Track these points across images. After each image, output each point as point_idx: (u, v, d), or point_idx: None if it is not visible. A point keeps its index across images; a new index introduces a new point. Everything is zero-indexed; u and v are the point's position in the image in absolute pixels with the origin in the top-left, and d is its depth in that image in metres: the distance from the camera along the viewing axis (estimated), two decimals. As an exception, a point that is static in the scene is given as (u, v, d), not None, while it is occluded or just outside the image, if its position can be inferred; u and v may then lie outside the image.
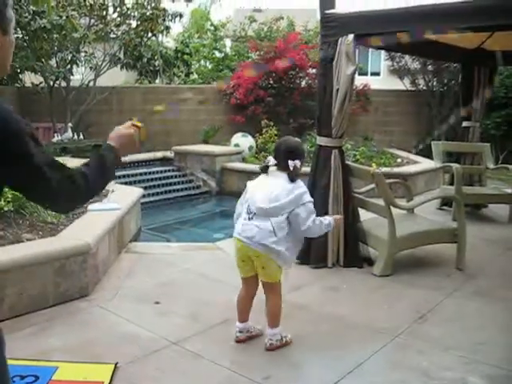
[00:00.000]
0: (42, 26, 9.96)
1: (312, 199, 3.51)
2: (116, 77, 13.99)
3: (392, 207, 5.17)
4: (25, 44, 10.41)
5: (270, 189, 3.46)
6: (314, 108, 7.78)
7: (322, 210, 5.27)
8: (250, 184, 3.64)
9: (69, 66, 11.11)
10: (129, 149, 1.95)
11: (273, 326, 3.63)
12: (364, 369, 3.42)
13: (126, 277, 5.06)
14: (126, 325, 4.01)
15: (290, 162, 3.47)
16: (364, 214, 5.70)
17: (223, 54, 16.36)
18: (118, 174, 9.97)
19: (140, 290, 4.74)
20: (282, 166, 3.51)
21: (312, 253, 5.41)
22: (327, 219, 3.57)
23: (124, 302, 4.47)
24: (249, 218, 3.48)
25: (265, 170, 3.59)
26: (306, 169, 6.42)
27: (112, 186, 6.51)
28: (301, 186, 3.48)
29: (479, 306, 4.46)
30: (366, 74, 22.11)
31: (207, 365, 3.45)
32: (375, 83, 15.08)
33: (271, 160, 3.57)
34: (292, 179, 3.47)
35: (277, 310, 3.63)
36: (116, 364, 3.37)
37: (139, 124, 1.99)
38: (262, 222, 3.41)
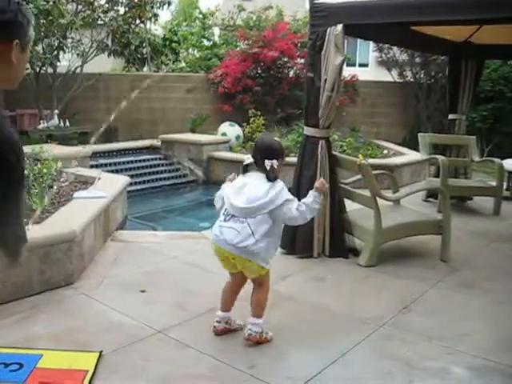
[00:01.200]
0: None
1: (290, 196, 3.41)
2: (103, 64, 13.87)
3: (378, 198, 5.18)
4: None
5: (247, 189, 3.39)
6: (301, 98, 7.77)
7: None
8: (225, 185, 3.56)
9: (55, 53, 10.98)
10: None
11: (256, 315, 3.56)
12: (348, 358, 3.43)
13: (112, 265, 5.03)
14: (111, 313, 4.00)
15: (267, 162, 3.39)
16: (350, 205, 5.71)
17: (211, 43, 16.28)
18: (105, 161, 9.94)
19: (126, 278, 4.72)
20: (259, 165, 3.44)
21: (298, 243, 5.41)
22: (310, 195, 3.46)
23: (109, 290, 4.45)
24: (225, 220, 3.40)
25: (244, 170, 3.54)
26: (293, 159, 6.43)
27: (98, 173, 6.46)
28: (277, 186, 3.38)
29: (463, 298, 4.49)
30: (354, 64, 22.07)
31: (192, 353, 3.44)
32: (363, 74, 15.10)
33: (249, 158, 3.52)
34: (270, 179, 3.38)
35: (262, 300, 3.58)
36: (101, 352, 3.36)
37: None
38: (239, 224, 3.33)
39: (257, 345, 3.55)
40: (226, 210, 3.43)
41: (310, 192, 3.50)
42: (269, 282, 3.60)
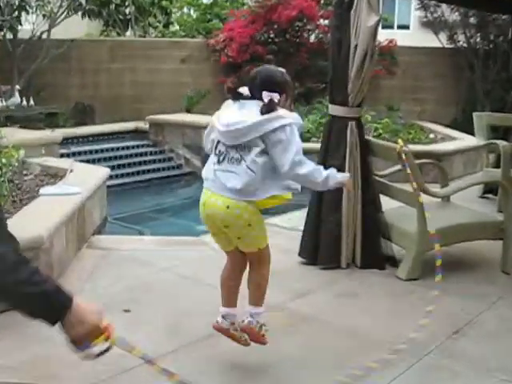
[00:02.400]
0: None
1: (295, 122, 3.35)
2: (76, 27, 13.91)
3: (422, 194, 5.17)
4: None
5: (236, 114, 3.36)
6: (325, 69, 7.75)
7: (334, 198, 5.29)
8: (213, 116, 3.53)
9: (16, 14, 11.03)
10: (78, 335, 1.95)
11: (255, 302, 3.56)
12: (385, 395, 3.44)
13: (88, 278, 5.06)
14: (87, 338, 4.01)
15: (265, 93, 3.34)
16: (387, 203, 5.70)
17: (212, 0, 16.27)
18: (78, 149, 9.98)
19: (106, 295, 4.74)
20: (256, 98, 3.38)
21: (321, 250, 5.42)
22: (329, 172, 3.43)
23: (85, 309, 4.47)
24: (219, 161, 3.39)
25: (234, 94, 3.47)
26: (315, 145, 6.41)
27: (71, 164, 6.49)
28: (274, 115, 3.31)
29: (530, 319, 4.48)
30: (391, 26, 22.03)
31: (189, 388, 3.46)
32: (403, 39, 15.05)
33: (245, 89, 3.46)
34: (263, 112, 3.30)
35: (262, 283, 3.57)
36: (75, 387, 3.38)
37: (113, 341, 2.06)
38: (236, 165, 3.31)
39: (268, 377, 3.55)
40: (217, 147, 3.43)
41: (330, 169, 3.48)
42: (269, 257, 3.58)
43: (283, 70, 3.62)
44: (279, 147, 3.28)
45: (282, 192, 3.42)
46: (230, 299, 3.70)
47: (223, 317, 3.68)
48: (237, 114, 3.36)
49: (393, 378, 3.60)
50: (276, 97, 3.36)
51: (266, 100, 3.34)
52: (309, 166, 3.33)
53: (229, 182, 3.32)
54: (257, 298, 3.58)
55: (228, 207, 3.33)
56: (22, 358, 3.71)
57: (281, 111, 3.34)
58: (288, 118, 3.33)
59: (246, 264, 3.65)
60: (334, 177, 3.45)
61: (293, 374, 3.64)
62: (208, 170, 3.49)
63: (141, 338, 4.03)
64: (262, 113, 3.29)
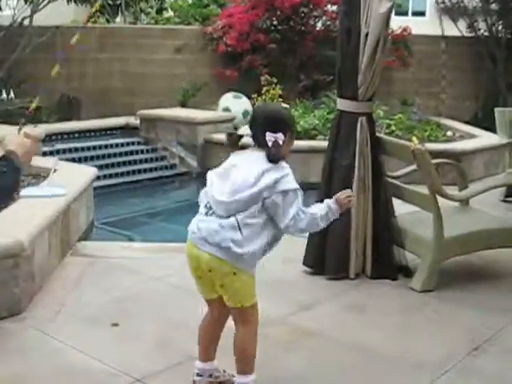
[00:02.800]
0: None
1: (298, 188, 3.33)
2: (61, 13, 13.91)
3: (439, 197, 5.17)
4: None
5: (235, 173, 3.35)
6: (333, 60, 7.74)
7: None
8: (211, 172, 3.52)
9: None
10: (27, 160, 2.67)
11: (241, 371, 3.47)
12: (397, 418, 3.44)
13: (73, 288, 5.05)
14: (71, 354, 4.01)
15: (269, 135, 3.33)
16: (400, 207, 5.70)
17: (209, -16, 16.29)
18: (63, 147, 9.97)
19: (92, 306, 4.74)
20: (258, 141, 3.38)
21: (328, 259, 5.41)
22: (323, 207, 3.39)
23: (70, 322, 4.47)
24: (206, 214, 3.36)
25: (233, 143, 3.49)
26: (322, 143, 6.41)
27: (54, 163, 6.48)
28: (280, 169, 3.31)
29: (556, 334, 4.48)
30: (406, 13, 22.04)
31: (183, 410, 3.46)
32: (418, 26, 15.02)
33: (245, 130, 3.48)
34: (272, 159, 3.30)
35: (247, 347, 3.47)
36: (58, 407, 3.38)
37: (35, 135, 2.77)
38: (223, 218, 3.29)
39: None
40: (207, 201, 3.40)
41: (327, 202, 3.42)
42: (257, 319, 3.48)
43: (287, 105, 3.65)
44: (278, 210, 3.29)
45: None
46: (207, 352, 3.63)
47: (199, 375, 3.61)
48: (235, 175, 3.34)
49: (406, 399, 3.60)
50: (280, 138, 3.35)
51: (269, 144, 3.33)
52: (304, 220, 3.32)
53: (213, 238, 3.29)
54: (243, 366, 3.48)
55: (210, 254, 3.31)
56: (1, 375, 3.71)
57: (286, 169, 3.33)
58: (284, 170, 3.32)
59: (227, 318, 3.59)
60: (333, 211, 3.40)
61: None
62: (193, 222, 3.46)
63: (130, 354, 4.04)
64: (271, 161, 3.29)
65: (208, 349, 3.62)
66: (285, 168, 3.33)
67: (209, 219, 3.33)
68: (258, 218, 3.29)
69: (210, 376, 3.62)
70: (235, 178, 3.32)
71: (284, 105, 3.66)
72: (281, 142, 3.34)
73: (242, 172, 3.33)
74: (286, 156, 3.40)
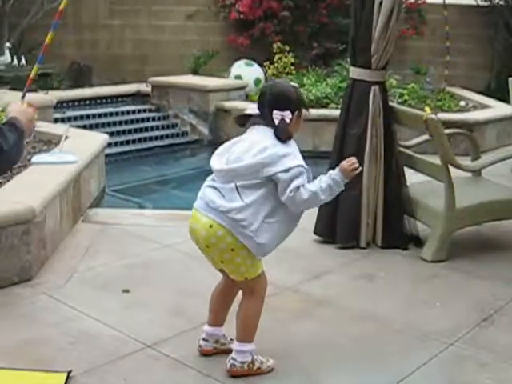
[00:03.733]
0: None
1: (301, 164, 3.29)
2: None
3: (451, 167, 5.15)
4: None
5: (239, 145, 3.38)
6: (346, 27, 7.68)
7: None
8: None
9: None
10: (29, 129, 2.72)
11: (242, 338, 3.48)
12: (406, 387, 3.45)
13: (84, 255, 5.08)
14: (82, 320, 4.04)
15: (276, 113, 3.33)
16: (412, 176, 5.68)
17: None
18: (74, 114, 9.96)
19: (103, 273, 4.77)
20: (266, 118, 3.38)
21: (339, 228, 5.42)
22: (325, 180, 3.36)
23: (81, 289, 4.50)
24: (213, 180, 3.40)
25: (241, 121, 3.51)
26: (334, 112, 6.38)
27: (66, 130, 6.48)
28: (285, 147, 3.30)
29: None
30: (420, -19, 21.76)
31: (193, 376, 3.48)
32: (433, -5, 14.86)
33: (253, 108, 3.47)
34: (280, 137, 3.31)
35: (252, 315, 3.48)
36: (69, 373, 3.40)
37: (36, 106, 2.81)
38: (225, 184, 3.32)
39: (279, 364, 3.57)
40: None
41: (330, 173, 3.40)
42: (263, 290, 3.50)
43: (296, 84, 3.62)
44: (280, 184, 3.28)
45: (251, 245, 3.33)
46: (216, 317, 3.66)
47: (205, 339, 3.65)
48: (238, 148, 3.37)
49: (415, 369, 3.60)
50: (288, 116, 3.34)
51: (276, 122, 3.33)
52: (304, 194, 3.28)
53: (214, 202, 3.31)
54: (243, 333, 3.49)
55: (211, 226, 3.30)
56: (12, 341, 3.74)
57: (291, 147, 3.32)
58: (288, 147, 3.31)
59: (239, 289, 3.60)
60: (337, 182, 3.38)
61: (309, 361, 3.65)
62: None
63: (140, 320, 4.06)
64: (279, 138, 3.29)
65: (217, 314, 3.66)
66: (290, 146, 3.33)
67: (212, 186, 3.36)
68: (258, 190, 3.28)
69: (216, 342, 3.67)
70: (237, 149, 3.36)
71: (293, 83, 3.61)
72: (288, 121, 3.35)
73: (246, 144, 3.36)
74: (294, 132, 3.40)
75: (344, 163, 3.40)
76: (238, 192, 3.27)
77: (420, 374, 3.57)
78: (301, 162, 3.30)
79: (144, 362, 3.60)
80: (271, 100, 3.39)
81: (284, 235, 3.44)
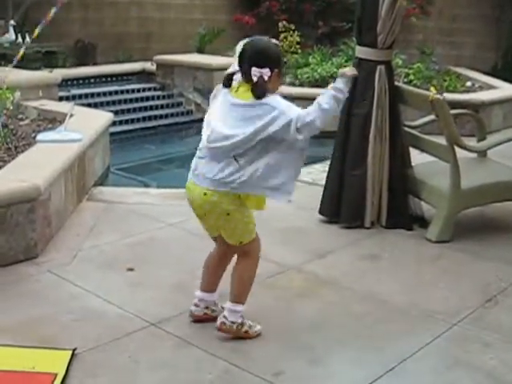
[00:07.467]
0: None
1: (288, 110, 3.35)
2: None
3: (457, 148, 5.14)
4: None
5: (228, 116, 3.42)
6: (352, 6, 7.65)
7: (359, 149, 5.28)
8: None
9: None
10: None
11: (235, 299, 3.57)
12: (408, 367, 3.45)
13: (89, 233, 5.09)
14: (87, 298, 4.06)
15: (254, 70, 3.34)
16: (417, 157, 5.66)
17: None
18: (79, 92, 9.95)
19: (107, 251, 4.78)
20: (246, 75, 3.40)
21: (344, 208, 5.41)
22: (324, 92, 3.47)
23: (85, 267, 4.51)
24: (200, 157, 3.51)
25: (227, 82, 3.51)
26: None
27: (70, 108, 6.48)
28: (267, 110, 3.33)
29: None
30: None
31: (197, 354, 3.49)
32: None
33: (234, 67, 3.49)
34: (258, 95, 3.34)
35: (246, 276, 3.59)
36: (74, 350, 3.42)
37: None
38: (217, 155, 3.40)
39: (284, 343, 3.58)
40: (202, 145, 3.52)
41: (329, 86, 3.52)
42: (257, 251, 3.61)
43: (277, 41, 3.65)
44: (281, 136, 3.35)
45: (264, 193, 3.47)
46: (209, 282, 3.74)
47: (196, 305, 3.73)
48: (226, 117, 3.42)
49: (418, 349, 3.61)
50: (266, 73, 3.35)
51: (254, 78, 3.34)
52: (313, 114, 3.36)
53: (209, 172, 3.40)
54: (237, 293, 3.57)
55: (205, 194, 3.41)
56: (17, 318, 3.76)
57: (273, 108, 3.33)
58: (287, 111, 3.34)
59: (233, 254, 3.69)
60: (339, 89, 3.47)
61: (312, 339, 3.66)
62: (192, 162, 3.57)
63: (145, 299, 4.08)
64: (256, 97, 3.32)
65: (210, 280, 3.75)
66: (271, 107, 3.33)
67: (204, 156, 3.49)
68: (252, 150, 3.35)
69: (207, 308, 3.75)
70: (226, 121, 3.42)
71: (274, 41, 3.60)
72: (266, 78, 3.36)
73: (234, 114, 3.40)
74: (273, 89, 3.42)
75: (343, 69, 3.64)
76: (235, 159, 3.35)
77: (423, 354, 3.58)
78: (284, 107, 3.34)
79: (148, 340, 3.62)
80: (252, 56, 3.40)
81: (296, 167, 3.50)
